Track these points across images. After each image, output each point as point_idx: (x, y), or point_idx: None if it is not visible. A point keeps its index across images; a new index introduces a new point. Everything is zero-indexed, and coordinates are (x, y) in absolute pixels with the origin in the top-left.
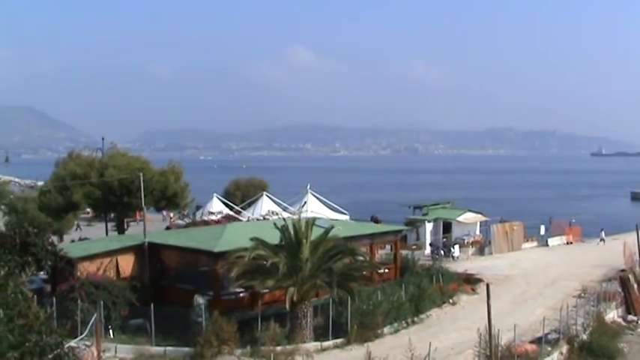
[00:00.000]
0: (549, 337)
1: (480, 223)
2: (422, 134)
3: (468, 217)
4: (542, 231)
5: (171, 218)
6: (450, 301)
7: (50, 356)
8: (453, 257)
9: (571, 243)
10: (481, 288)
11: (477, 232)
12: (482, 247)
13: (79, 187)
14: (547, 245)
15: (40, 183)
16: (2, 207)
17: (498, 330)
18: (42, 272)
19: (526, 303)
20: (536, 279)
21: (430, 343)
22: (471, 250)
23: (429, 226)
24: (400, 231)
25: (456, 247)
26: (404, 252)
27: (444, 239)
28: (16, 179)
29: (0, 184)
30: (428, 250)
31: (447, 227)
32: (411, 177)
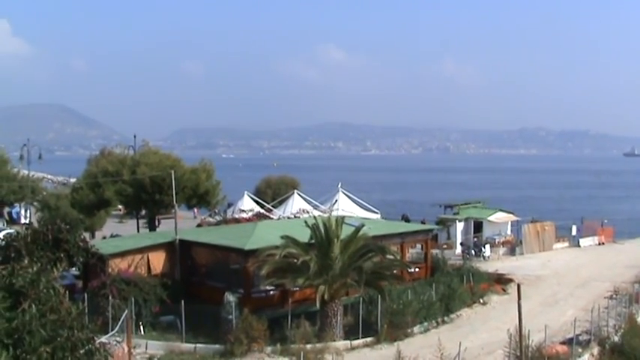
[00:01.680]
0: (580, 338)
1: (511, 222)
2: (453, 133)
3: (499, 216)
4: (574, 231)
5: (197, 217)
6: (481, 300)
7: (81, 351)
8: (483, 257)
9: (603, 244)
10: (512, 288)
11: (508, 231)
12: (513, 247)
13: (111, 184)
14: (578, 246)
15: (73, 180)
16: (35, 203)
17: (529, 330)
18: (74, 268)
19: (557, 304)
20: (567, 279)
21: (460, 343)
22: (501, 250)
23: (459, 226)
24: (431, 230)
25: (487, 246)
26: (434, 251)
27: (475, 239)
28: (49, 176)
29: (33, 180)
30: (459, 249)
31: (478, 227)
32: (442, 176)
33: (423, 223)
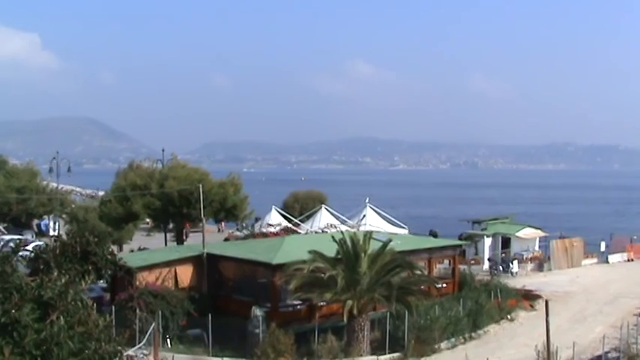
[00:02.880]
0: (609, 355)
1: (539, 238)
2: (481, 149)
3: (527, 232)
4: (603, 247)
5: (223, 230)
6: (508, 317)
7: None
8: (511, 273)
9: (632, 260)
10: (540, 304)
11: (536, 247)
12: (541, 263)
13: (139, 197)
14: (607, 262)
15: (101, 193)
16: (64, 216)
17: (557, 347)
18: (101, 281)
19: (585, 320)
20: (596, 296)
21: (487, 359)
22: (529, 265)
23: (487, 241)
24: (459, 246)
25: (515, 262)
26: (462, 267)
27: (503, 254)
28: (78, 189)
29: (62, 193)
30: (486, 265)
31: (506, 242)
32: (470, 191)
33: (434, 234)
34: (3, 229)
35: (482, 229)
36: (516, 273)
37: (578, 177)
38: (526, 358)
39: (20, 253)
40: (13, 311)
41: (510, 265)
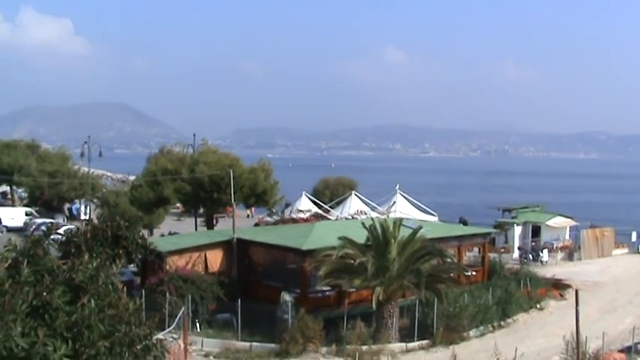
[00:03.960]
0: (639, 346)
1: (570, 227)
2: (512, 136)
3: (557, 221)
4: (634, 237)
5: (253, 215)
6: (538, 306)
7: (139, 347)
8: (541, 262)
9: None
10: (569, 294)
11: (567, 236)
12: (571, 253)
13: (170, 182)
14: (638, 252)
15: (132, 177)
16: (95, 200)
17: (586, 337)
18: (132, 265)
19: (615, 311)
20: (626, 286)
21: (516, 348)
22: (559, 255)
23: (517, 230)
24: (489, 234)
25: (545, 251)
26: (492, 255)
27: (533, 243)
28: (109, 173)
29: (93, 177)
30: (516, 253)
31: (536, 231)
32: (500, 179)
33: (464, 222)
34: (35, 213)
35: (512, 218)
36: (546, 262)
37: (609, 166)
38: (555, 347)
39: (52, 237)
40: (45, 294)
41: (540, 253)
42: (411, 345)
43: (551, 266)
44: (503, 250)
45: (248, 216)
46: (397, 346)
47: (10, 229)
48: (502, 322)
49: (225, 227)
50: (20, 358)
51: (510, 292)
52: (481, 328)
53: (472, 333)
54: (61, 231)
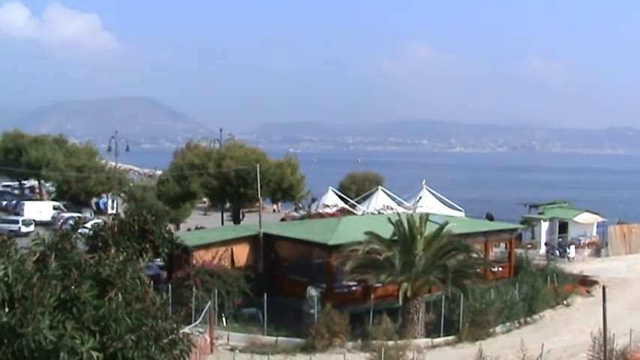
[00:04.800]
0: None
1: (597, 224)
2: (539, 132)
3: (584, 217)
4: None
5: (279, 210)
6: (565, 302)
7: (165, 341)
8: (568, 258)
9: None
10: (596, 290)
11: (594, 233)
12: (598, 249)
13: (197, 177)
14: None
15: (159, 172)
16: (122, 194)
17: (613, 334)
18: (159, 259)
19: None
20: None
21: (543, 345)
22: (586, 251)
23: (544, 226)
24: (515, 229)
25: (572, 247)
26: (518, 251)
27: (560, 239)
28: (136, 168)
29: (120, 172)
30: (543, 249)
31: (563, 227)
32: (527, 175)
33: (490, 217)
34: (63, 207)
35: (539, 213)
36: (573, 258)
37: (637, 162)
38: (582, 344)
39: (79, 231)
40: (73, 287)
41: (567, 250)
42: (436, 340)
43: (578, 262)
44: (529, 246)
45: (275, 211)
46: (423, 341)
47: (38, 223)
48: (528, 319)
49: (251, 222)
50: (48, 351)
51: (537, 289)
52: (507, 324)
53: (498, 329)
54: (88, 225)
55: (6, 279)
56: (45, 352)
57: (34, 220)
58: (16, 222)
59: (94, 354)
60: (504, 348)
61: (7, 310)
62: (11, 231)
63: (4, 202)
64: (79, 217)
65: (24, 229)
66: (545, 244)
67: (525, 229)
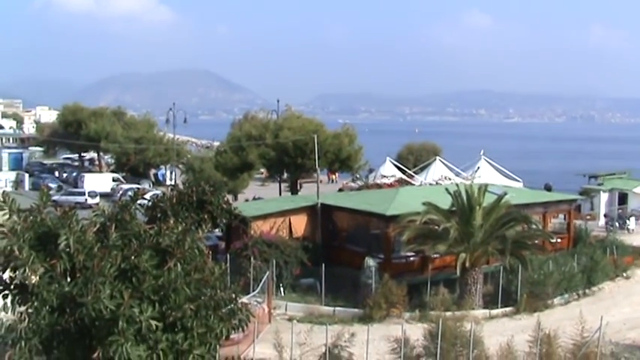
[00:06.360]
0: None
1: None
2: (598, 102)
3: None
4: None
5: (337, 181)
6: (624, 274)
7: (224, 310)
8: (628, 230)
9: None
10: None
11: None
12: None
13: (254, 147)
14: None
15: (216, 143)
16: (180, 166)
17: None
18: (217, 230)
19: None
20: None
21: (602, 317)
22: None
23: (604, 197)
24: (574, 200)
25: (632, 219)
26: (577, 222)
27: (620, 210)
28: (193, 139)
29: (178, 144)
30: (602, 221)
31: (623, 198)
32: (586, 146)
33: (548, 188)
34: (122, 179)
35: (598, 184)
36: (633, 230)
37: None
38: None
39: (138, 202)
40: (133, 257)
41: (627, 221)
42: (494, 312)
43: (638, 234)
44: (589, 217)
45: (333, 181)
46: (480, 312)
47: (96, 195)
48: (587, 290)
49: (308, 193)
50: (108, 320)
51: (596, 260)
52: (565, 295)
53: (556, 301)
54: (147, 196)
55: (68, 249)
56: (105, 320)
57: (94, 192)
58: (82, 194)
59: (153, 323)
60: (562, 320)
61: (68, 279)
62: (77, 203)
63: (65, 175)
64: (138, 189)
65: (90, 201)
66: (605, 215)
67: (584, 200)
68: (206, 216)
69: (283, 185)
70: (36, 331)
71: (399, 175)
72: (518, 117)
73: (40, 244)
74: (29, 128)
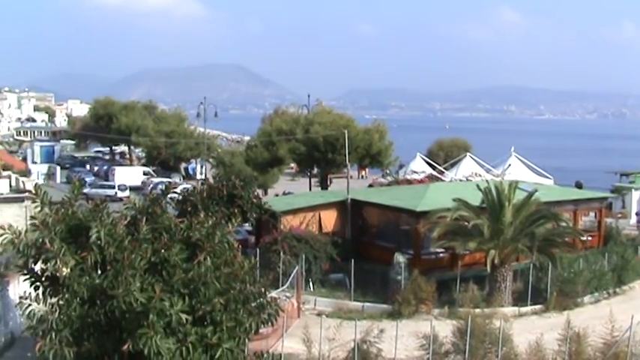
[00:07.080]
0: None
1: None
2: (630, 99)
3: None
4: None
5: (364, 177)
6: None
7: (253, 304)
8: None
9: None
10: None
11: None
12: None
13: (285, 142)
14: None
15: (247, 138)
16: (210, 160)
17: None
18: (247, 224)
19: None
20: None
21: (632, 316)
22: None
23: (635, 195)
24: (605, 198)
25: None
26: (608, 220)
27: None
28: (224, 134)
29: (209, 138)
30: (634, 219)
31: None
32: (617, 143)
33: (579, 186)
34: (152, 172)
35: (630, 182)
36: None
37: None
38: None
39: (169, 196)
40: (163, 251)
41: None
42: (523, 309)
43: None
44: (620, 215)
45: (363, 177)
46: (510, 310)
47: (126, 188)
48: (617, 289)
49: (339, 188)
50: (138, 313)
51: (627, 259)
52: (596, 294)
53: (586, 299)
54: (177, 190)
55: (98, 242)
56: (135, 313)
57: (125, 185)
58: (113, 187)
59: (183, 316)
60: (593, 319)
61: (99, 272)
62: (107, 196)
63: (96, 168)
64: (169, 182)
65: (120, 194)
66: (637, 213)
67: (616, 198)
68: (236, 210)
69: (313, 180)
70: (67, 323)
71: (430, 171)
72: (550, 114)
73: (71, 237)
74: (61, 122)
